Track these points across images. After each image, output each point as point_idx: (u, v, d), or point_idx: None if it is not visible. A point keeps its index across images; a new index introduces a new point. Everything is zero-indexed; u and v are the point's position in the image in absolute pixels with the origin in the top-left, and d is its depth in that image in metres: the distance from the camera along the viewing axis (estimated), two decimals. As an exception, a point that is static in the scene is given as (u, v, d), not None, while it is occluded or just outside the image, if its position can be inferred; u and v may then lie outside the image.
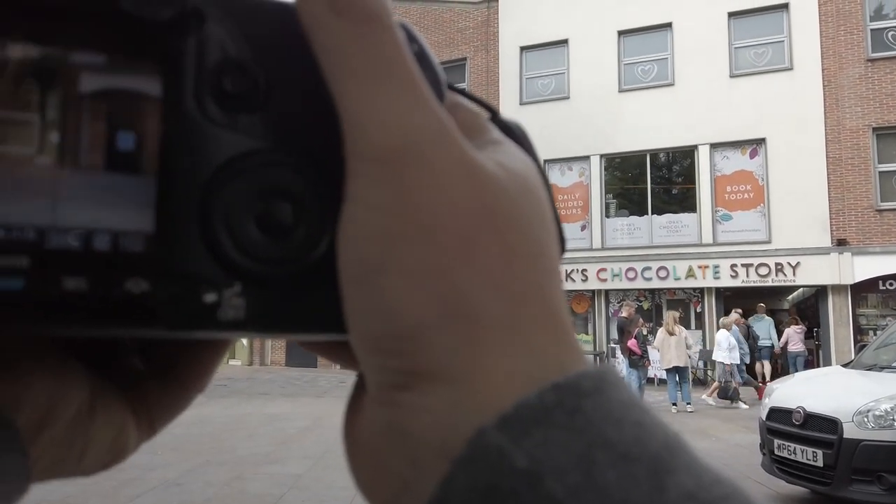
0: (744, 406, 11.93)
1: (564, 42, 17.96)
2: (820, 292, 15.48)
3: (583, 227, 17.17)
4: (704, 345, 15.33)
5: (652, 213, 16.85)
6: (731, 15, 16.43)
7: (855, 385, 6.06)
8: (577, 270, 16.85)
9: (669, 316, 12.49)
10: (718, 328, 13.30)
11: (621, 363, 12.30)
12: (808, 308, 16.66)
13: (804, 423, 5.73)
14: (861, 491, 5.19)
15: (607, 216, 17.24)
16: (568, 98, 17.76)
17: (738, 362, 12.50)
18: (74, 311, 0.22)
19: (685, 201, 16.72)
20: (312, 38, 0.24)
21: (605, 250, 16.89)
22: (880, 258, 14.69)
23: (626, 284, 16.57)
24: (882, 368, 6.46)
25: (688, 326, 14.64)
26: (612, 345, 16.02)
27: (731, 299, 16.27)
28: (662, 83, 16.96)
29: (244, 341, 15.48)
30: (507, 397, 0.21)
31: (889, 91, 15.14)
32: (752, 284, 15.66)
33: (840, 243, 15.01)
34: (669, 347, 11.86)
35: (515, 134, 0.29)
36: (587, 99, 17.43)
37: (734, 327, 12.84)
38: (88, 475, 0.30)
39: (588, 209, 17.25)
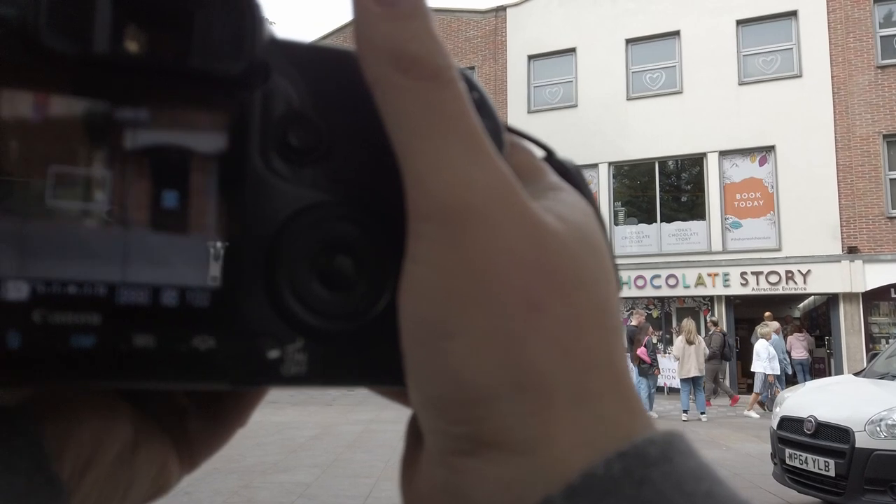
0: (755, 416, 11.85)
1: (572, 51, 17.99)
2: (831, 300, 15.36)
3: (591, 235, 17.13)
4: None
5: (661, 221, 16.80)
6: (740, 23, 16.41)
7: (867, 394, 6.00)
8: (586, 278, 16.77)
9: (688, 325, 12.37)
10: (756, 338, 13.15)
11: (631, 372, 12.21)
12: (820, 316, 16.54)
13: (816, 433, 5.68)
14: (874, 501, 5.13)
15: (616, 224, 17.20)
16: (576, 106, 17.78)
17: (779, 373, 12.39)
18: (143, 367, 0.22)
19: (694, 209, 16.67)
20: (376, 93, 0.23)
21: (614, 258, 16.81)
22: (892, 266, 14.57)
23: (635, 292, 16.51)
24: (895, 377, 6.40)
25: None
26: (622, 353, 15.91)
27: (740, 307, 16.19)
28: (671, 91, 16.95)
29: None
30: (574, 467, 0.20)
31: (899, 98, 15.08)
32: (762, 292, 15.57)
33: (851, 251, 14.91)
34: (689, 357, 11.80)
35: (571, 174, 0.29)
36: (595, 107, 17.44)
37: (773, 336, 12.72)
38: None
39: (596, 217, 17.21)
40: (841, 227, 15.06)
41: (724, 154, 16.24)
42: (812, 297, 16.63)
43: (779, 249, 15.49)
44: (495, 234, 0.22)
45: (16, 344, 0.21)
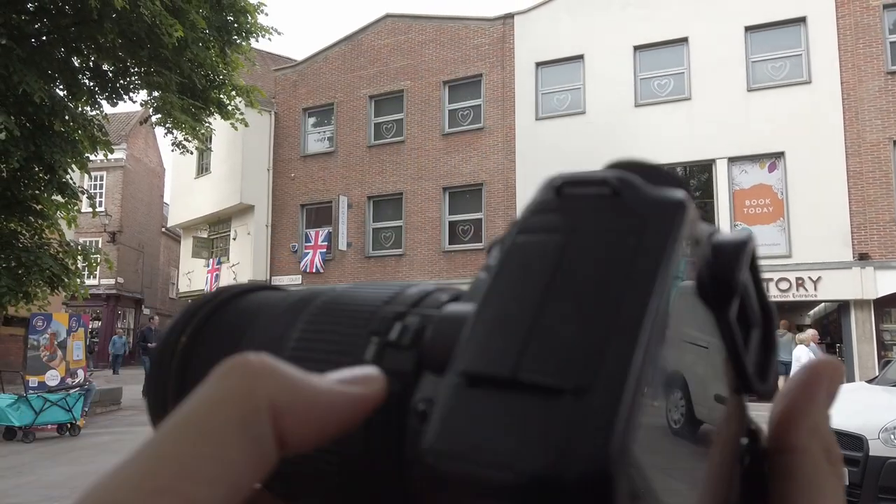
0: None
1: (580, 58, 18.00)
2: (842, 307, 15.25)
3: (600, 242, 17.10)
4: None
5: (670, 228, 16.73)
6: (748, 29, 16.39)
7: (880, 401, 5.96)
8: (595, 285, 16.74)
9: None
10: (795, 344, 13.00)
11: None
12: (831, 323, 16.42)
13: (829, 441, 5.62)
14: (888, 510, 5.08)
15: (624, 231, 17.15)
16: (584, 113, 17.77)
17: None
18: None
19: (703, 216, 16.55)
20: (800, 463, 0.26)
21: (623, 265, 16.78)
22: (904, 272, 14.46)
23: (644, 299, 16.43)
24: (908, 385, 6.35)
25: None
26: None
27: (751, 314, 16.06)
28: (679, 97, 16.93)
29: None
30: None
31: (910, 104, 15.00)
32: (772, 299, 15.27)
33: (862, 257, 14.81)
34: None
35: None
36: (603, 114, 17.43)
37: (811, 344, 12.58)
38: None
39: (605, 224, 17.18)
40: (852, 233, 14.97)
41: (733, 160, 16.19)
42: (823, 304, 16.52)
43: (789, 256, 15.40)
44: None
45: None
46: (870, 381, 7.21)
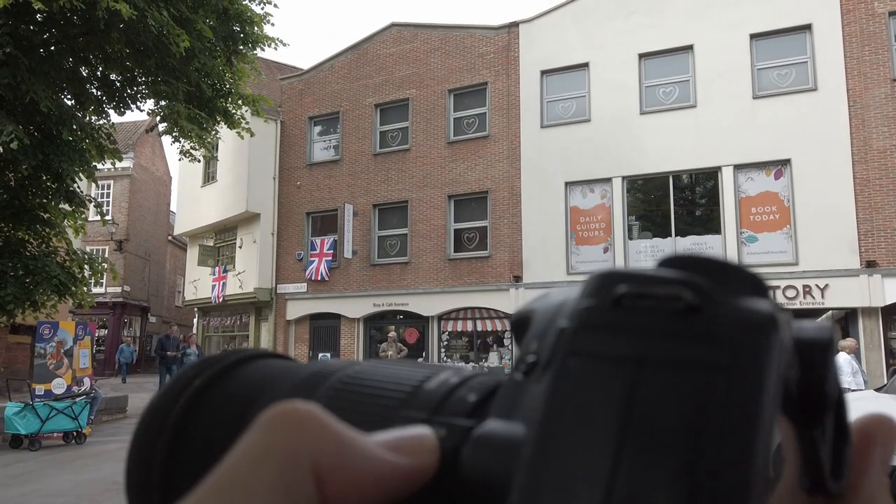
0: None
1: (585, 65, 18.02)
2: (849, 315, 15.16)
3: (605, 250, 17.07)
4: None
5: (675, 236, 16.71)
6: (753, 36, 16.39)
7: (889, 410, 5.89)
8: (600, 293, 16.68)
9: None
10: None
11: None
12: (839, 331, 16.31)
13: (837, 450, 5.57)
14: (898, 520, 5.02)
15: (630, 238, 17.13)
16: (589, 121, 17.78)
17: (863, 387, 12.12)
18: None
19: (709, 223, 16.57)
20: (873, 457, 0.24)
21: (629, 273, 16.71)
22: (912, 280, 14.38)
23: (650, 307, 16.36)
24: (917, 393, 6.29)
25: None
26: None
27: (757, 322, 15.98)
28: (684, 105, 16.92)
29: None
30: None
31: (916, 111, 14.94)
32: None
33: (869, 265, 14.74)
34: None
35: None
36: (608, 121, 17.44)
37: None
38: None
39: (610, 231, 17.16)
40: (859, 240, 14.91)
41: (738, 168, 16.16)
42: (830, 312, 16.42)
43: (796, 264, 15.34)
44: None
45: None
46: (878, 390, 7.15)
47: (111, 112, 13.70)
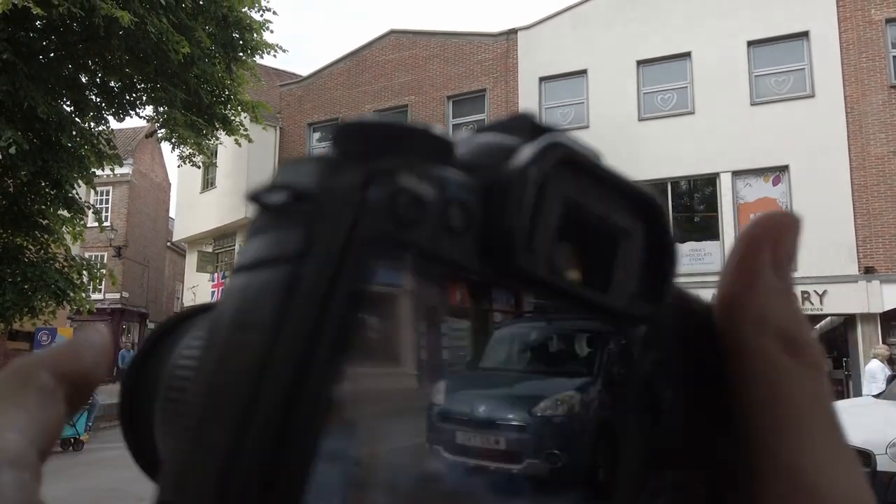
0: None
1: (583, 72, 18.08)
2: (848, 321, 15.17)
3: (604, 256, 17.08)
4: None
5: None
6: (751, 44, 16.44)
7: (888, 417, 5.91)
8: (599, 299, 16.70)
9: None
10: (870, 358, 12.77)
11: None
12: (837, 337, 16.30)
13: (835, 456, 5.57)
14: (897, 527, 5.02)
15: (629, 245, 17.13)
16: (587, 127, 17.81)
17: None
18: None
19: (708, 229, 16.58)
20: (749, 363, 0.22)
21: (627, 279, 16.73)
22: (910, 286, 14.39)
23: (648, 313, 16.37)
24: (915, 399, 6.29)
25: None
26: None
27: (756, 328, 15.98)
28: (682, 111, 16.96)
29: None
30: None
31: (914, 117, 14.99)
32: (778, 313, 15.38)
33: (868, 271, 14.75)
34: None
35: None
36: (607, 128, 17.46)
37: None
38: None
39: (609, 238, 17.17)
40: (857, 247, 14.92)
41: (737, 174, 16.19)
42: (829, 318, 16.42)
43: (794, 270, 15.30)
44: None
45: None
46: (877, 396, 7.15)
47: (110, 118, 13.73)
